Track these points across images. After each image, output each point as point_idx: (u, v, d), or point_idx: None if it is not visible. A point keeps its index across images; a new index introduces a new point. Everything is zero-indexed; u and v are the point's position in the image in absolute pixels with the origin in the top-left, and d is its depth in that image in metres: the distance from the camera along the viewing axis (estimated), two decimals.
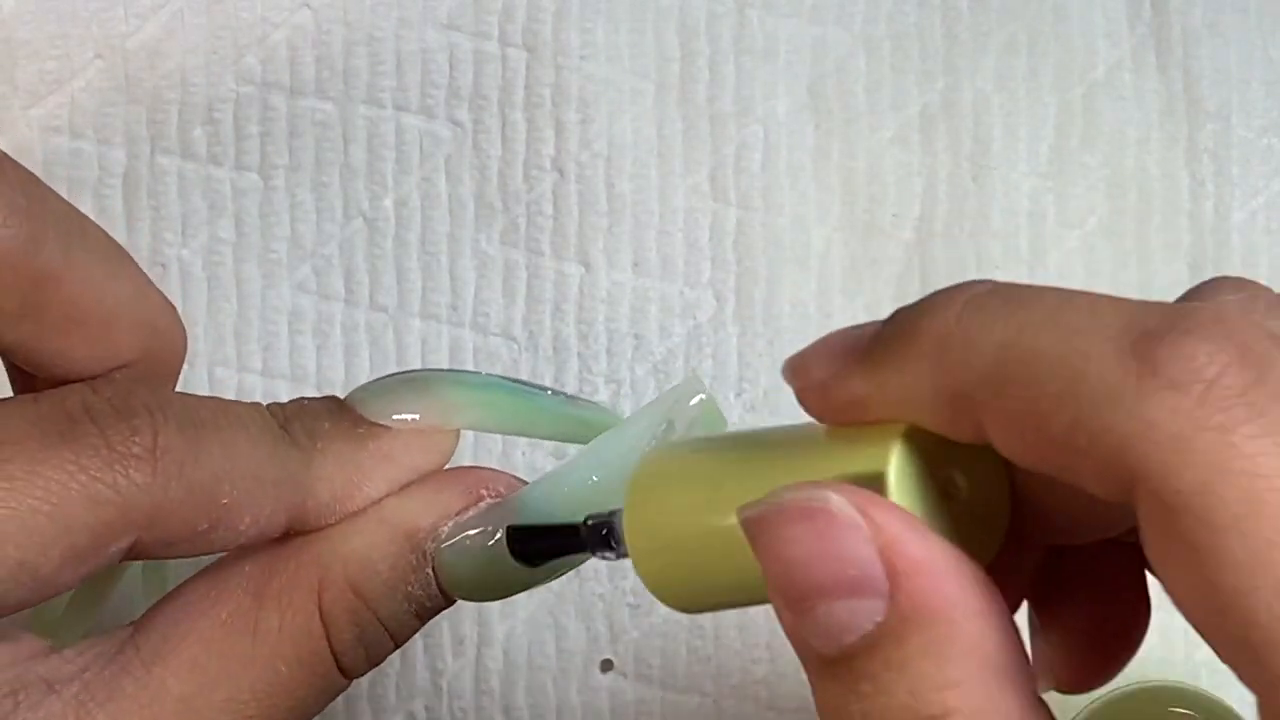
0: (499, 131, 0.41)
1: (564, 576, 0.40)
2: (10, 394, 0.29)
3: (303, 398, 0.28)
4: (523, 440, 0.40)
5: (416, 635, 0.40)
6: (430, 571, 0.27)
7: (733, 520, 0.21)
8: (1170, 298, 0.43)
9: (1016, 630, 0.20)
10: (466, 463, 0.40)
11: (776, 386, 0.41)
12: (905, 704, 0.19)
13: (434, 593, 0.27)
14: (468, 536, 0.27)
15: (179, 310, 0.41)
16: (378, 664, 0.27)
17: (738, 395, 0.41)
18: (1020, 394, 0.20)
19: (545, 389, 0.29)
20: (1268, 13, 0.41)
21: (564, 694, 0.41)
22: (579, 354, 0.41)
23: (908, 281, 0.41)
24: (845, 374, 0.22)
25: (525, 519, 0.26)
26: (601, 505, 0.26)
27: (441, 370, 0.32)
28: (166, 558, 0.25)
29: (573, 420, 0.29)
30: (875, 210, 0.41)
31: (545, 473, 0.27)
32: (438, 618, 0.40)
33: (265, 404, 0.27)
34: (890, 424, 0.22)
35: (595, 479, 0.27)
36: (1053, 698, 0.42)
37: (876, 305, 0.41)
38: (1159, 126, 0.41)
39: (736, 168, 0.41)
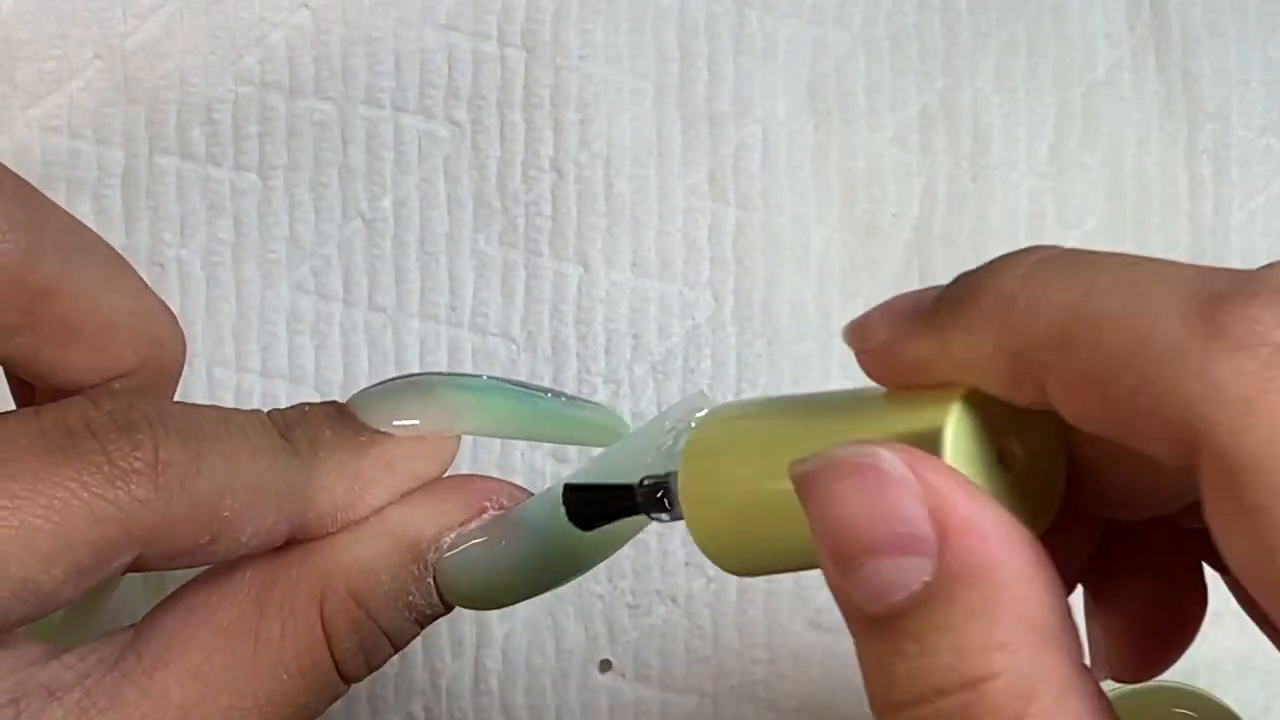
0: (498, 132, 0.41)
1: None
2: (9, 402, 0.29)
3: (304, 404, 0.28)
4: (522, 441, 0.40)
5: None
6: (431, 581, 0.27)
7: (787, 483, 0.21)
8: None
9: (1065, 599, 0.20)
10: (466, 462, 0.40)
11: (775, 386, 0.41)
12: (950, 664, 0.19)
13: (434, 601, 0.27)
14: (471, 547, 0.27)
15: (178, 311, 0.41)
16: (377, 669, 0.27)
17: (736, 395, 0.41)
18: (1085, 355, 0.19)
19: (546, 391, 0.29)
20: (1267, 13, 0.41)
21: (562, 694, 0.41)
22: (578, 354, 0.41)
23: (907, 282, 0.41)
24: (908, 335, 0.22)
25: (529, 531, 0.27)
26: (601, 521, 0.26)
27: (442, 374, 0.32)
28: (169, 569, 0.26)
29: (574, 422, 0.29)
30: (874, 210, 0.41)
31: (549, 486, 0.27)
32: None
33: (266, 410, 0.27)
34: (950, 387, 0.21)
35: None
36: None
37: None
38: (1158, 127, 0.41)
39: (735, 168, 0.41)
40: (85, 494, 0.23)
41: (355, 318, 0.41)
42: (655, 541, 0.41)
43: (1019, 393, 0.21)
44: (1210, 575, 0.41)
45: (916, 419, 0.21)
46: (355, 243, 0.41)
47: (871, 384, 0.23)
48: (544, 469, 0.41)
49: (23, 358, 0.26)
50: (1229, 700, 0.40)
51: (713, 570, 0.41)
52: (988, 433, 0.22)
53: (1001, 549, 0.20)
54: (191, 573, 0.27)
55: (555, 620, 0.41)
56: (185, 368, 0.41)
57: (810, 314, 0.41)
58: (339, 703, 0.40)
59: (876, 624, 0.20)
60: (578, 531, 0.26)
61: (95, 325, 0.26)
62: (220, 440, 0.25)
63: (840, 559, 0.20)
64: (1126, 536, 0.26)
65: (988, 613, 0.19)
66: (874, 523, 0.20)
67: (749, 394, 0.41)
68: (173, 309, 0.41)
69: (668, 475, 0.25)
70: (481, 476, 0.28)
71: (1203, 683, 0.41)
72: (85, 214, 0.41)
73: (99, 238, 0.28)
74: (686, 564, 0.41)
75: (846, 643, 0.44)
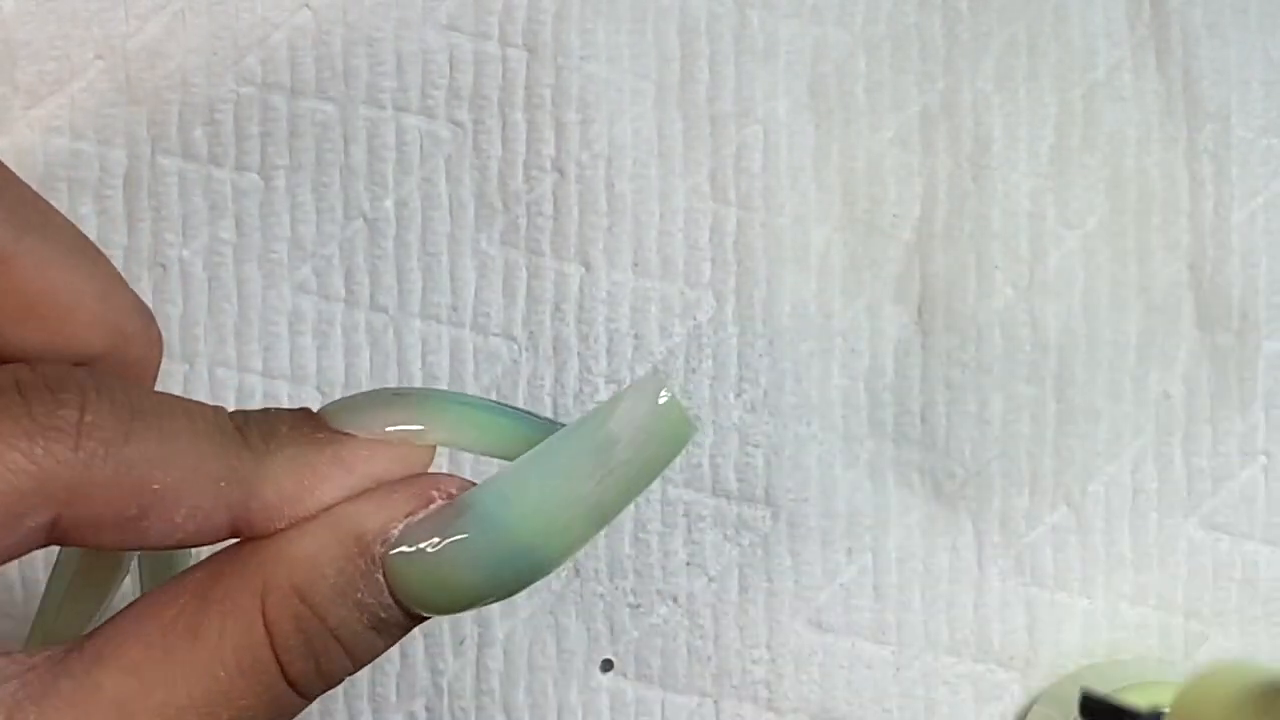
0: (499, 132, 0.41)
1: (564, 576, 0.41)
2: None
3: (272, 407, 0.27)
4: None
5: (417, 635, 0.40)
6: (381, 578, 0.25)
7: None
8: (1170, 297, 0.44)
9: None
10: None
11: (777, 386, 0.41)
12: None
13: (387, 602, 0.25)
14: (417, 539, 0.25)
15: (180, 311, 0.41)
16: (334, 681, 0.26)
17: (738, 395, 0.41)
18: None
19: (529, 413, 0.28)
20: (1268, 13, 0.41)
21: (564, 694, 0.41)
22: (579, 354, 0.41)
23: (908, 282, 0.41)
24: None
25: (476, 517, 0.26)
26: (556, 511, 0.25)
27: (423, 388, 0.31)
28: (101, 546, 0.25)
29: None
30: (875, 211, 0.41)
31: (496, 473, 0.26)
32: (438, 618, 0.40)
33: (233, 410, 0.27)
34: None
35: (546, 483, 0.26)
36: (1053, 693, 0.42)
37: (877, 306, 0.41)
38: (1159, 127, 0.41)
39: (736, 168, 0.41)
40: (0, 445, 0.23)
41: (357, 318, 0.41)
42: (657, 541, 0.41)
43: None
44: (1211, 575, 0.41)
45: None
46: (357, 243, 0.41)
47: None
48: None
49: None
50: None
51: (714, 570, 0.41)
52: None
53: None
54: None
55: (557, 620, 0.41)
56: (187, 367, 0.41)
57: (811, 314, 0.41)
58: (341, 701, 0.41)
59: None
60: (529, 521, 0.25)
61: (53, 304, 0.26)
62: (159, 416, 0.25)
63: None
64: None
65: None
66: None
67: (750, 394, 0.41)
68: (175, 309, 0.41)
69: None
70: (433, 472, 0.27)
71: None
72: (87, 214, 0.41)
73: (69, 222, 0.27)
74: (688, 564, 0.41)
75: (847, 643, 0.44)
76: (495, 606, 0.41)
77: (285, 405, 0.28)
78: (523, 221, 0.41)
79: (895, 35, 0.41)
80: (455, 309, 0.41)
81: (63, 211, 0.42)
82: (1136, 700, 0.37)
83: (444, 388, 0.41)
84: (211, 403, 0.27)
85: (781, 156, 0.41)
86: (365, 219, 0.41)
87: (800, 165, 0.41)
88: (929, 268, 0.41)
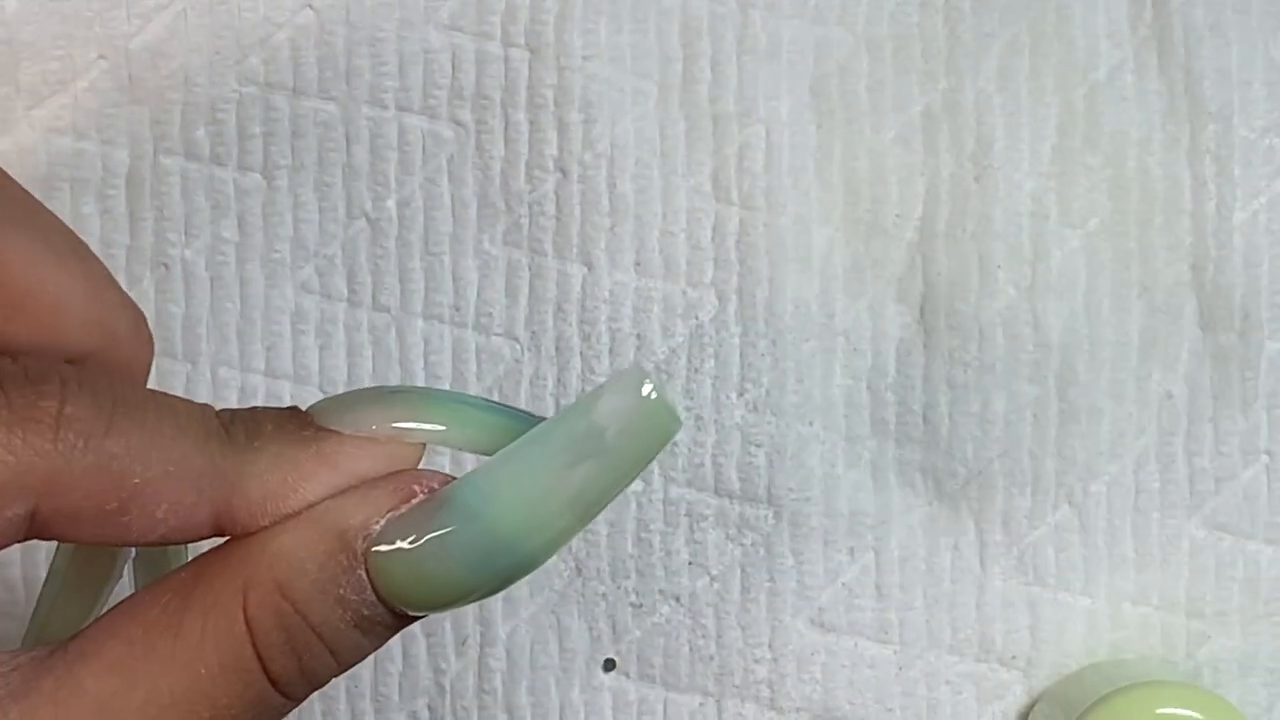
0: (502, 132, 0.41)
1: (566, 575, 0.41)
2: None
3: (259, 406, 0.27)
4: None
5: (419, 635, 0.40)
6: (364, 575, 0.25)
7: None
8: (1172, 297, 0.44)
9: None
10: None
11: (779, 386, 0.41)
12: None
13: (370, 599, 0.25)
14: (398, 534, 0.25)
15: (182, 311, 0.41)
16: (319, 682, 0.26)
17: (740, 395, 0.41)
18: None
19: (520, 410, 0.28)
20: (1269, 13, 0.41)
21: (566, 693, 0.41)
22: (581, 354, 0.41)
23: (910, 282, 0.41)
24: None
25: (456, 515, 0.25)
26: (537, 504, 0.25)
27: (413, 386, 0.31)
28: (81, 540, 0.25)
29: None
30: (878, 210, 0.41)
31: (476, 467, 0.25)
32: (439, 617, 0.40)
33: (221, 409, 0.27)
34: None
35: (526, 476, 0.25)
36: (1055, 692, 0.42)
37: (879, 305, 0.41)
38: (1161, 127, 0.41)
39: (739, 168, 0.41)
40: None
41: (359, 318, 0.41)
42: (659, 541, 0.41)
43: None
44: (1214, 575, 0.41)
45: None
46: (359, 243, 0.41)
47: None
48: None
49: None
50: (1231, 699, 0.40)
51: (716, 569, 0.41)
52: None
53: None
54: None
55: (559, 619, 0.41)
56: (189, 367, 0.41)
57: (813, 314, 0.41)
58: (342, 701, 0.41)
59: None
60: (509, 514, 0.25)
61: (41, 302, 0.26)
62: (142, 410, 0.24)
63: None
64: None
65: None
66: None
67: (752, 393, 0.41)
68: (177, 309, 0.41)
69: None
70: (419, 469, 0.27)
71: (1205, 682, 0.41)
72: (90, 214, 0.41)
73: (59, 220, 0.27)
74: (690, 563, 0.41)
75: (850, 642, 0.44)
76: (497, 606, 0.41)
77: (287, 405, 0.28)
78: (525, 221, 0.41)
79: (898, 35, 0.41)
80: (458, 309, 0.41)
81: (65, 211, 0.42)
82: (1137, 700, 0.37)
83: (446, 388, 0.41)
84: (214, 403, 0.26)
85: (784, 156, 0.41)
86: (368, 219, 0.41)
87: (802, 165, 0.41)
88: (931, 267, 0.41)
